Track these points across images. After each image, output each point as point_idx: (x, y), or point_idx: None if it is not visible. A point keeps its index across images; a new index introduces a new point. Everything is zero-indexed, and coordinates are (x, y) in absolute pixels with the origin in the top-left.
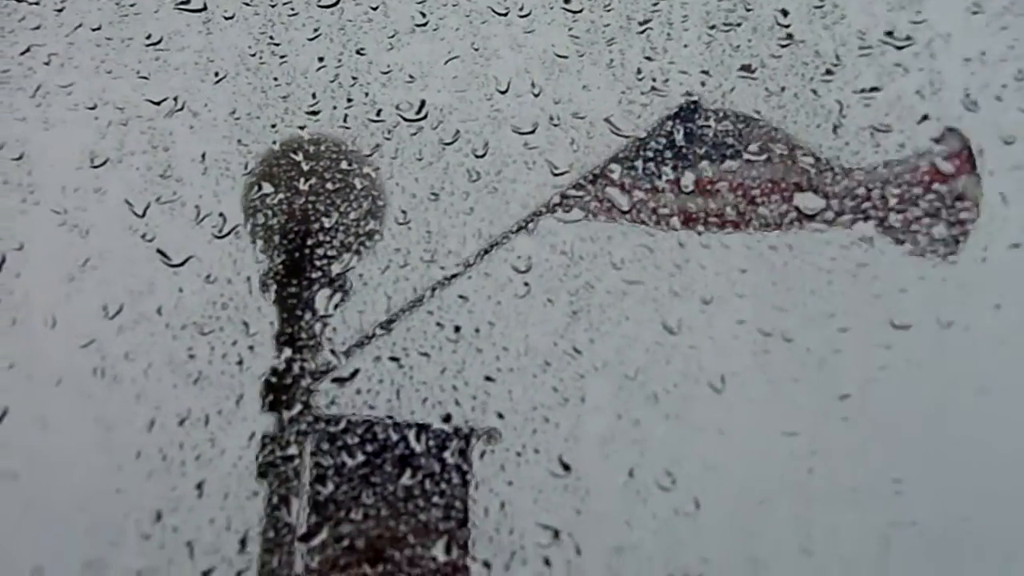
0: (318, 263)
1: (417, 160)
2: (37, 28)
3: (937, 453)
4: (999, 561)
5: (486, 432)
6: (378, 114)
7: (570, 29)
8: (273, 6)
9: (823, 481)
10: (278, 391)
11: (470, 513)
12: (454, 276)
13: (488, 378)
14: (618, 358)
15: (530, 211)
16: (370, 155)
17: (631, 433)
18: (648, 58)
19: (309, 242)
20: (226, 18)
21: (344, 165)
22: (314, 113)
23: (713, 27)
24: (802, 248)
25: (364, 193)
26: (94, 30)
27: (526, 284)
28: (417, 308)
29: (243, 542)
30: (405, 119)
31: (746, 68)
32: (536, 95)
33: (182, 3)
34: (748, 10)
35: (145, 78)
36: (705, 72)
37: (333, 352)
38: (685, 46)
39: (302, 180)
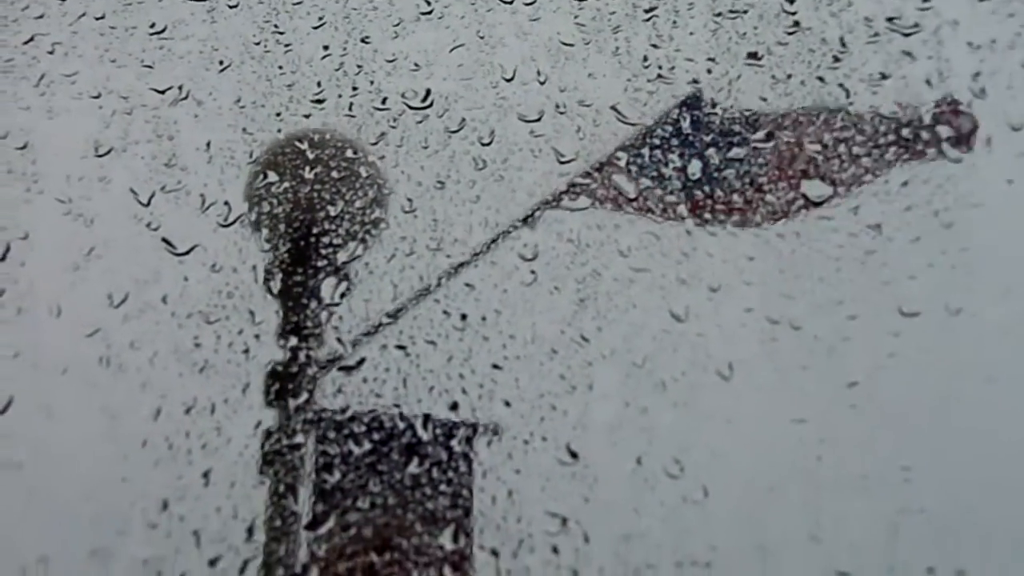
0: (324, 252)
1: (423, 148)
2: (41, 17)
3: (946, 440)
4: (1008, 548)
5: (490, 427)
6: (383, 102)
7: (576, 17)
8: None
9: (831, 469)
10: (284, 380)
11: (475, 501)
12: (461, 264)
13: (495, 366)
14: (625, 346)
15: (536, 199)
16: (375, 143)
17: (639, 421)
18: (654, 46)
19: (315, 231)
20: (230, 7)
21: (349, 153)
22: (319, 102)
23: (719, 14)
24: (810, 235)
25: (369, 181)
26: (98, 19)
27: (533, 272)
28: (424, 297)
29: (250, 530)
30: (410, 107)
31: (752, 55)
32: (542, 83)
33: None
34: None
35: (149, 67)
36: (711, 59)
37: (339, 341)
38: (691, 34)
39: (307, 169)
